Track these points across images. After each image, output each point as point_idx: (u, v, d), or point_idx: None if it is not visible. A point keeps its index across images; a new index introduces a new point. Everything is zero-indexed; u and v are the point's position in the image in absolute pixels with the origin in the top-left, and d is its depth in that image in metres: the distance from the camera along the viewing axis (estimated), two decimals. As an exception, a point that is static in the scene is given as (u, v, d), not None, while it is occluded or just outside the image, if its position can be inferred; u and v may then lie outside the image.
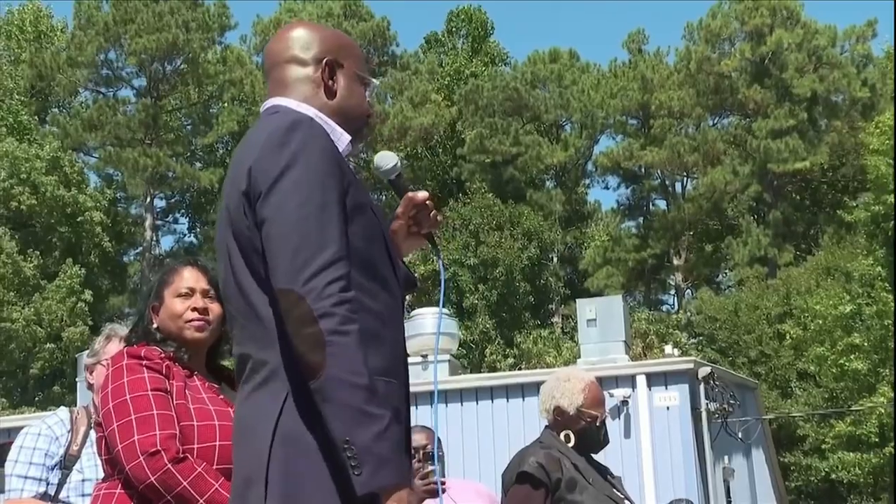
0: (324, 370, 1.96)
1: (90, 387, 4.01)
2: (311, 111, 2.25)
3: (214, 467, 2.71)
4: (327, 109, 2.28)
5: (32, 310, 31.50)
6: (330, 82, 2.30)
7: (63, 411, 4.05)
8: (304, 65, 2.30)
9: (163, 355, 2.86)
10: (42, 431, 3.91)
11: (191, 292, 2.98)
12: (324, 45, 2.32)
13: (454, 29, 46.92)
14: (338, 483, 2.00)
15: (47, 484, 3.84)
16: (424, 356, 12.32)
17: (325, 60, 2.30)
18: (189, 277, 3.02)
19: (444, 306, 2.79)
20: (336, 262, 2.01)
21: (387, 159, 2.45)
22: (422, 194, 2.41)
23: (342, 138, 2.28)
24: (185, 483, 2.64)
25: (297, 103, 2.27)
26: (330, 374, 1.95)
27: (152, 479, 2.65)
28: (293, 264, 2.00)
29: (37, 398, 32.00)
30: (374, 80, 2.40)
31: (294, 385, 2.06)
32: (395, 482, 1.98)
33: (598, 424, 4.15)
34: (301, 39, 2.33)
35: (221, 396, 2.89)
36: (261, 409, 2.09)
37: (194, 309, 2.96)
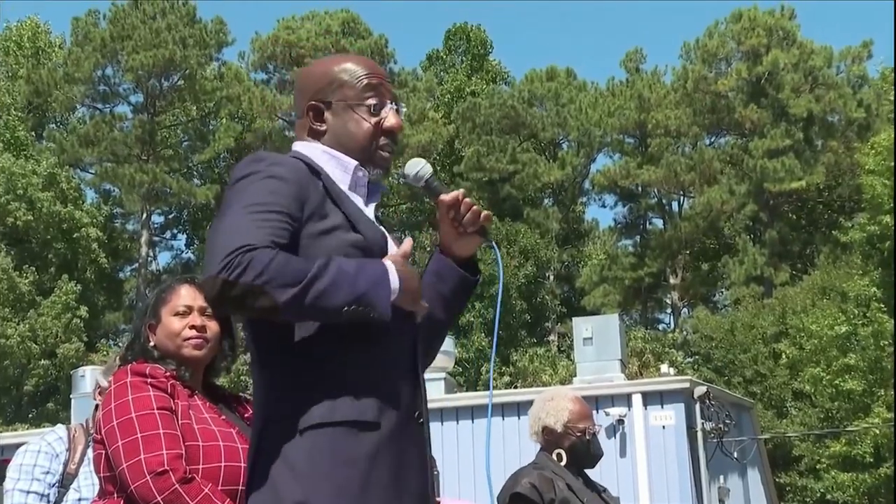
0: (278, 304, 2.04)
1: (98, 407, 4.00)
2: (313, 148, 2.39)
3: (220, 488, 2.69)
4: (328, 143, 2.39)
5: (27, 326, 31.45)
6: (316, 124, 2.40)
7: (61, 429, 4.03)
8: (301, 116, 2.44)
9: (167, 374, 2.85)
10: (42, 448, 3.90)
11: (188, 310, 2.98)
12: (310, 90, 2.42)
13: (453, 47, 47.08)
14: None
15: (48, 501, 3.82)
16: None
17: (307, 107, 2.41)
18: (186, 295, 3.02)
19: (499, 309, 2.74)
20: (253, 247, 2.05)
21: (410, 167, 2.46)
22: (451, 195, 2.40)
23: (347, 165, 2.36)
24: (192, 503, 2.62)
25: (300, 143, 2.42)
26: (282, 302, 2.03)
27: (159, 499, 2.62)
28: (212, 257, 2.07)
29: (31, 415, 31.91)
30: (372, 101, 2.39)
31: (263, 421, 2.21)
32: (396, 285, 2.13)
33: (587, 438, 4.17)
34: (299, 89, 2.46)
35: (223, 417, 2.88)
36: (259, 449, 2.24)
37: (192, 327, 2.95)
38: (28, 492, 3.80)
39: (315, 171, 2.30)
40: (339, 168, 2.35)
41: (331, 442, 2.12)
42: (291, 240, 2.16)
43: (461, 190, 2.41)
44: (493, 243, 2.43)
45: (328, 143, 2.38)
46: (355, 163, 2.36)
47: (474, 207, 2.39)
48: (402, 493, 2.17)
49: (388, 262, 2.17)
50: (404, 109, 2.51)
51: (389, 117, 2.40)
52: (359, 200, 2.36)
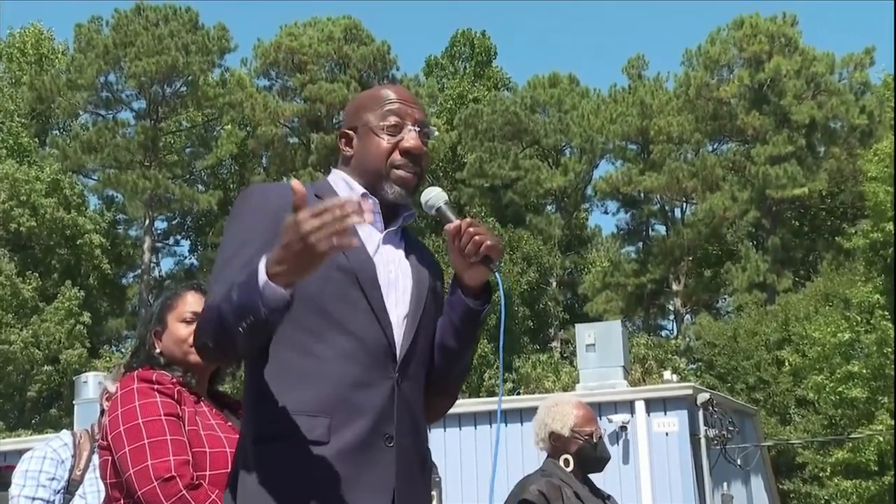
0: (217, 352, 2.22)
1: (103, 413, 3.99)
2: (335, 173, 2.52)
3: None
4: (348, 171, 2.48)
5: (30, 332, 31.47)
6: (346, 150, 2.50)
7: (66, 435, 4.02)
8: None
9: (174, 380, 2.86)
10: (47, 454, 3.89)
11: (194, 317, 2.97)
12: (345, 119, 2.56)
13: (456, 53, 47.12)
14: None
15: None
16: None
17: (340, 134, 2.53)
18: (192, 302, 3.03)
19: (504, 333, 2.71)
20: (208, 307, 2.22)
21: (424, 195, 2.48)
22: (454, 224, 2.37)
23: (355, 190, 2.42)
24: None
25: (333, 171, 2.55)
26: (216, 350, 2.20)
27: None
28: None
29: (34, 421, 31.91)
30: (388, 121, 2.42)
31: (246, 435, 2.28)
32: (262, 274, 2.05)
33: (594, 441, 4.17)
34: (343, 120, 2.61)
35: (229, 423, 2.88)
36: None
37: None
38: (34, 498, 3.79)
39: (319, 196, 2.31)
40: (349, 194, 2.40)
41: (271, 460, 2.17)
42: None
43: (466, 219, 2.38)
44: (497, 273, 2.37)
45: (354, 166, 2.47)
46: (362, 190, 2.41)
47: (476, 237, 2.33)
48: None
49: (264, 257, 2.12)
50: (436, 134, 2.54)
51: (408, 138, 2.41)
52: (367, 226, 2.39)
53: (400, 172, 2.40)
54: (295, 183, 2.07)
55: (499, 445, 2.53)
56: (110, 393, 3.92)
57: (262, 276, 2.04)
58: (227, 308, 2.09)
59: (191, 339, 2.93)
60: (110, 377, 4.08)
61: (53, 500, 3.81)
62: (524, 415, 12.22)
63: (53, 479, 3.83)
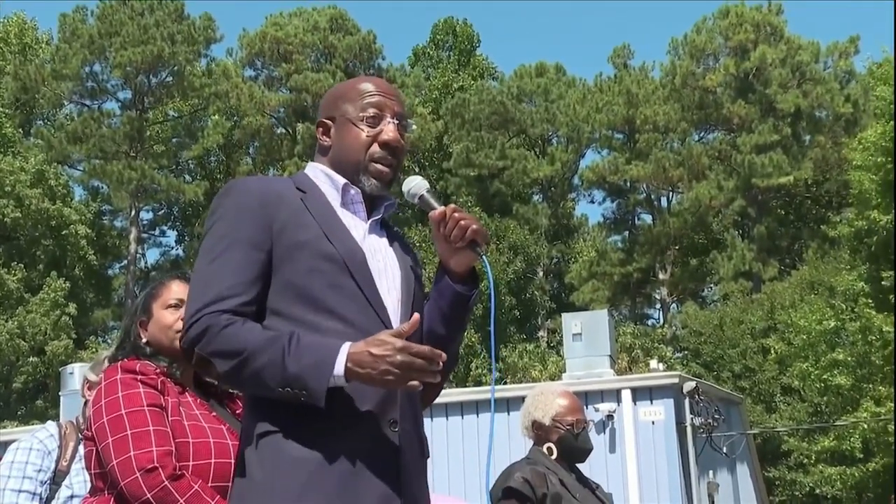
0: (220, 373, 2.19)
1: (87, 403, 3.98)
2: (313, 165, 2.50)
3: (210, 485, 2.69)
4: (326, 162, 2.47)
5: (16, 323, 31.36)
6: (324, 139, 2.49)
7: (52, 426, 4.02)
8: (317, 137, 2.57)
9: (158, 371, 2.85)
10: (34, 446, 3.88)
11: (180, 303, 2.98)
12: (322, 109, 2.53)
13: (440, 42, 47.03)
14: None
15: (41, 499, 3.81)
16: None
17: (318, 124, 2.51)
18: (178, 289, 3.03)
19: (494, 317, 2.72)
20: (215, 301, 2.21)
21: (405, 185, 2.48)
22: (438, 210, 2.38)
23: (338, 184, 2.42)
24: (182, 500, 2.62)
25: (311, 163, 2.53)
26: (222, 372, 2.19)
27: (149, 495, 2.62)
28: (187, 315, 2.26)
29: (20, 412, 31.82)
30: (367, 112, 2.42)
31: (249, 429, 2.26)
32: (340, 370, 2.11)
33: (576, 432, 4.18)
34: (320, 110, 2.56)
35: (213, 413, 2.88)
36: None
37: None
38: (20, 491, 3.79)
39: (301, 189, 2.37)
40: (331, 186, 2.42)
41: (276, 449, 2.17)
42: (260, 266, 2.27)
43: (451, 205, 2.40)
44: (484, 258, 2.39)
45: (332, 157, 2.46)
46: (344, 181, 2.41)
47: (461, 222, 2.34)
48: (356, 500, 2.16)
49: (345, 345, 2.14)
50: (414, 128, 2.54)
51: (387, 130, 2.42)
52: (351, 216, 2.40)
53: (378, 166, 2.41)
54: (415, 318, 2.19)
55: (493, 434, 2.54)
56: (91, 382, 3.92)
57: (340, 370, 2.11)
58: (272, 370, 2.12)
59: (177, 325, 2.93)
60: (91, 367, 4.09)
61: (39, 493, 3.81)
62: (511, 404, 12.25)
63: (40, 470, 3.82)
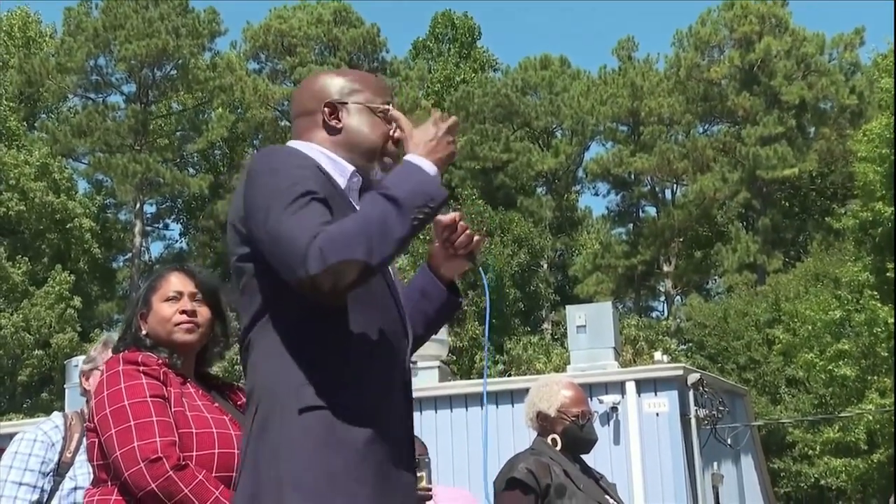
0: (368, 264, 2.12)
1: (85, 392, 3.98)
2: (309, 146, 2.43)
3: (214, 475, 2.70)
4: (330, 143, 2.44)
5: (21, 316, 31.41)
6: (332, 121, 2.45)
7: (58, 416, 4.02)
8: (311, 114, 2.48)
9: (160, 361, 2.86)
10: (38, 437, 3.88)
11: (179, 295, 2.99)
12: (329, 90, 2.49)
13: (440, 35, 46.97)
14: (290, 482, 2.10)
15: (42, 491, 3.81)
16: (414, 362, 12.31)
17: (324, 104, 2.46)
18: (176, 282, 3.03)
19: (489, 327, 2.85)
20: (314, 236, 2.12)
21: None
22: (448, 216, 2.46)
23: (345, 169, 2.41)
24: (186, 490, 2.62)
25: (297, 141, 2.46)
26: (365, 260, 2.11)
27: (153, 485, 2.62)
28: (289, 262, 2.13)
29: (25, 405, 31.90)
30: (386, 107, 2.47)
31: (260, 400, 2.21)
32: (430, 167, 2.23)
33: (580, 423, 4.19)
34: (310, 91, 2.51)
35: (216, 404, 2.88)
36: (243, 428, 2.22)
37: (183, 311, 2.97)
38: (20, 483, 3.79)
39: (320, 168, 2.36)
40: (336, 171, 2.40)
41: (322, 426, 2.14)
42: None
43: (458, 213, 2.50)
44: (481, 269, 2.52)
45: (340, 141, 2.43)
46: (352, 168, 2.42)
47: (468, 231, 2.47)
48: (392, 485, 2.19)
49: (410, 155, 2.26)
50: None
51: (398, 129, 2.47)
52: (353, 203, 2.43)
53: (387, 160, 2.45)
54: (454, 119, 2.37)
55: (487, 427, 2.59)
56: (84, 370, 3.93)
57: (432, 169, 2.21)
58: (392, 217, 2.12)
59: (175, 319, 2.95)
60: (84, 360, 4.09)
61: (41, 485, 3.81)
62: (515, 396, 12.27)
63: (43, 461, 3.82)
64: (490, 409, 12.59)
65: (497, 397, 12.67)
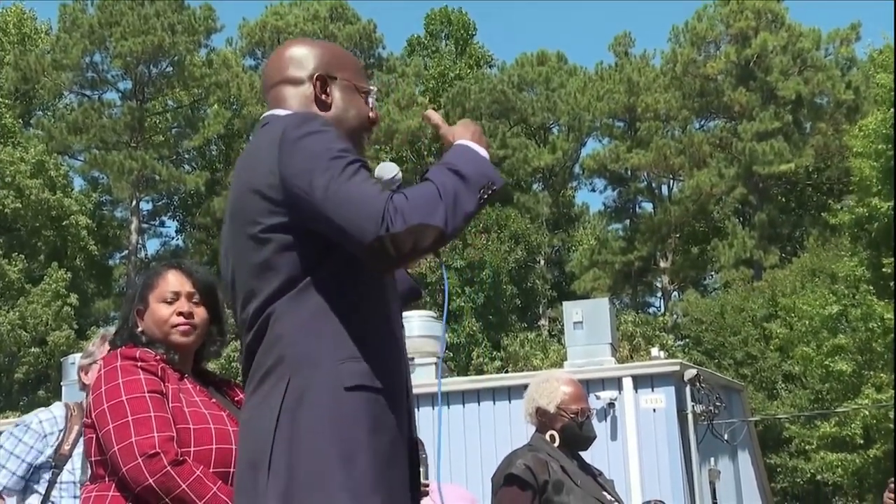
0: (443, 230, 2.08)
1: (83, 387, 3.98)
2: None
3: (211, 470, 2.70)
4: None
5: (17, 314, 31.37)
6: (323, 96, 2.39)
7: (58, 408, 4.00)
8: (297, 83, 2.41)
9: (157, 357, 2.85)
10: (32, 425, 3.88)
11: (175, 296, 2.98)
12: (316, 61, 2.42)
13: (435, 31, 46.94)
14: (340, 456, 2.06)
15: (25, 481, 3.81)
16: (411, 359, 12.31)
17: (315, 76, 2.40)
18: (174, 281, 3.02)
19: (446, 320, 2.84)
20: (387, 197, 2.08)
21: (387, 170, 2.48)
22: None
23: None
24: (184, 486, 2.62)
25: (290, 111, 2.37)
26: (442, 225, 2.07)
27: (150, 481, 2.62)
28: (361, 225, 2.06)
29: (21, 402, 31.86)
30: (372, 88, 2.46)
31: (294, 372, 2.12)
32: (480, 149, 2.24)
33: (579, 420, 4.19)
34: (294, 59, 2.43)
35: (213, 400, 2.88)
36: (264, 400, 2.15)
37: (179, 314, 2.96)
38: (2, 467, 3.80)
39: None
40: None
41: (370, 406, 2.12)
42: None
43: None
44: (443, 266, 2.59)
45: (329, 118, 2.35)
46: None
47: None
48: (403, 468, 2.22)
49: (461, 142, 2.25)
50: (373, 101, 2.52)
51: (375, 110, 2.47)
52: None
53: (364, 142, 2.45)
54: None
55: (441, 425, 2.63)
56: (82, 365, 3.92)
57: (485, 153, 2.23)
58: (461, 182, 2.12)
59: (171, 320, 2.94)
60: (83, 355, 4.09)
61: (22, 474, 3.80)
62: (512, 392, 12.28)
63: (31, 449, 3.82)
64: (487, 406, 12.62)
65: (494, 394, 12.69)
